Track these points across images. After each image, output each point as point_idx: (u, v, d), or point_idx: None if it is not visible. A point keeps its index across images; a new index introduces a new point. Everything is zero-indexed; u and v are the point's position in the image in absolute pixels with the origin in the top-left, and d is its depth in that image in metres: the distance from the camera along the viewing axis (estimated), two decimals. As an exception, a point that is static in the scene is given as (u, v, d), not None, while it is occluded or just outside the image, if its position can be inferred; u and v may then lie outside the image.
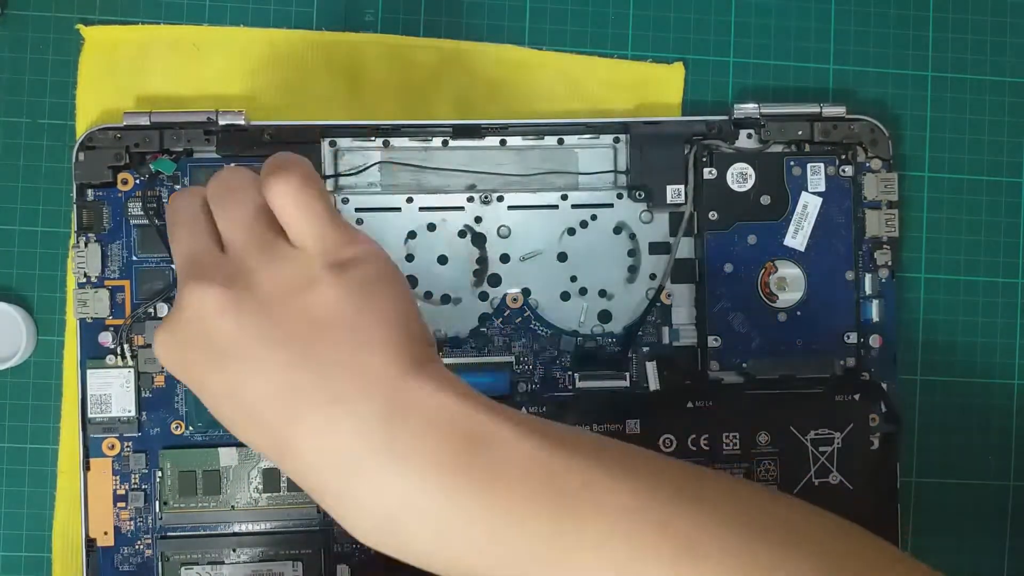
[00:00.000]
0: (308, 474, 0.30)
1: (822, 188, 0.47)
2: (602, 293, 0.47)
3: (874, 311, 0.47)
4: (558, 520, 0.29)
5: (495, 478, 0.29)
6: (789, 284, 0.46)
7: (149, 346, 0.45)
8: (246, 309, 0.30)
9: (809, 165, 0.47)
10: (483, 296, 0.47)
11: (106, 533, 0.45)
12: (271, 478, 0.45)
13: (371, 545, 0.30)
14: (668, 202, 0.47)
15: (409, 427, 0.29)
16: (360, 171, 0.47)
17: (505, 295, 0.47)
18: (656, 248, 0.47)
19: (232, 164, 0.35)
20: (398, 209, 0.47)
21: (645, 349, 0.47)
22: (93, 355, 0.45)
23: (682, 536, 0.29)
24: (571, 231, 0.47)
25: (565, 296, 0.47)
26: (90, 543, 0.45)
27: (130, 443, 0.45)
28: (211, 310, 0.31)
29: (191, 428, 0.45)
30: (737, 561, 0.29)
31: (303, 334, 0.30)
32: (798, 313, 0.46)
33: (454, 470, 0.29)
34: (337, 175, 0.47)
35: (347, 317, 0.30)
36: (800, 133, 0.47)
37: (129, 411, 0.45)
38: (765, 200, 0.47)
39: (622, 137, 0.47)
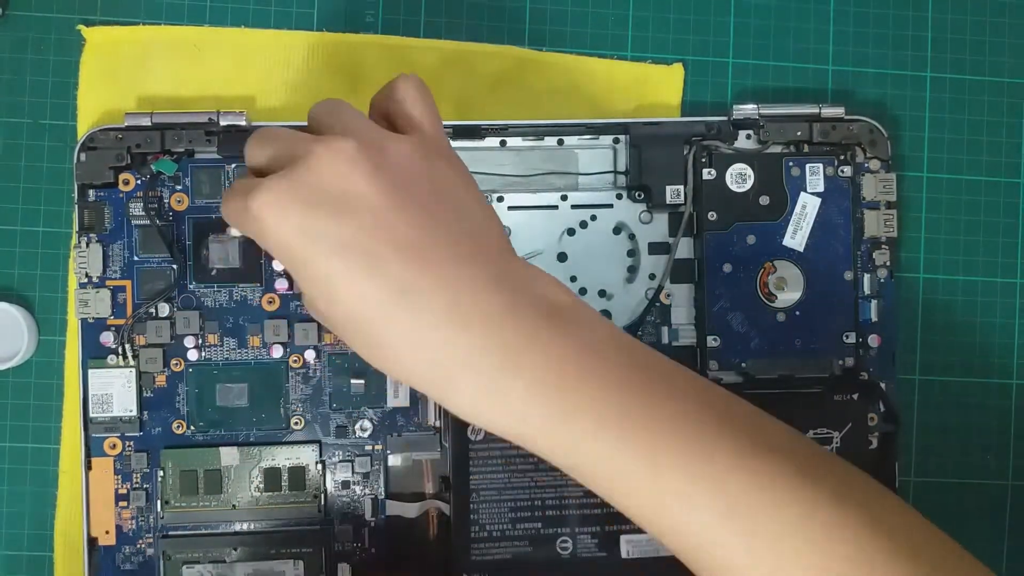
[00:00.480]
0: (424, 319, 0.31)
1: (821, 188, 0.47)
2: (602, 293, 0.47)
3: (873, 311, 0.48)
4: (638, 393, 0.31)
5: (584, 345, 0.32)
6: (788, 284, 0.47)
7: (151, 346, 0.45)
8: (380, 165, 0.32)
9: (808, 166, 0.47)
10: (483, 296, 0.47)
11: (108, 532, 0.45)
12: (272, 477, 0.45)
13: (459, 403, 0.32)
14: (667, 202, 0.47)
15: (515, 289, 0.32)
16: (361, 171, 0.47)
17: (505, 295, 0.47)
18: (655, 248, 0.48)
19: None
20: (398, 209, 0.47)
21: (644, 349, 0.47)
22: (94, 355, 0.45)
23: (745, 429, 0.32)
24: (571, 231, 0.47)
25: (565, 296, 0.47)
26: (92, 542, 0.45)
27: (131, 442, 0.45)
28: (346, 162, 0.31)
29: (192, 428, 0.45)
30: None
31: (428, 199, 0.32)
32: (797, 313, 0.46)
33: (551, 332, 0.31)
34: (338, 175, 0.47)
35: (462, 195, 0.34)
36: (799, 134, 0.47)
37: (130, 411, 0.45)
38: (764, 200, 0.47)
39: (622, 138, 0.47)
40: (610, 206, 0.47)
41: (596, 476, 0.32)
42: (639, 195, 0.47)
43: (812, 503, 0.31)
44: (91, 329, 0.45)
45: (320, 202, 0.31)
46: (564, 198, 0.47)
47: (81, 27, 0.47)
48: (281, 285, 0.46)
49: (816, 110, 0.47)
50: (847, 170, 0.47)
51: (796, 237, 0.47)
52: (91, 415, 0.45)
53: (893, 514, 0.32)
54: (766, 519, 0.30)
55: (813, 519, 0.31)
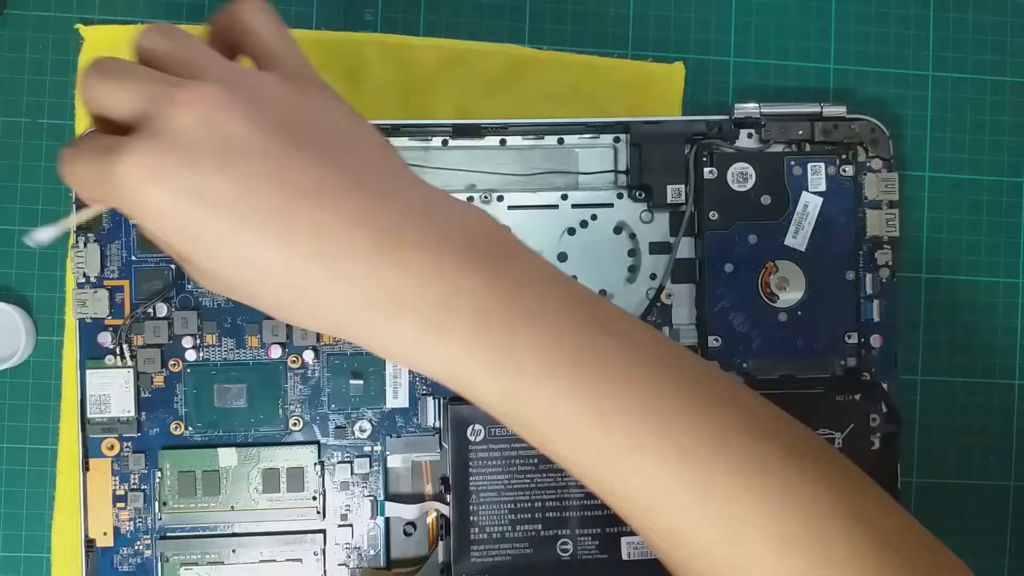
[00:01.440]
0: (349, 265, 0.28)
1: (823, 188, 0.47)
2: (602, 293, 0.47)
3: (875, 311, 0.47)
4: (584, 336, 0.30)
5: (523, 282, 0.30)
6: (790, 284, 0.46)
7: (149, 346, 0.45)
8: (257, 106, 0.28)
9: (810, 165, 0.47)
10: (483, 296, 0.47)
11: (105, 533, 0.45)
12: (270, 478, 0.45)
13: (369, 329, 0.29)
14: (668, 202, 0.47)
15: (443, 221, 0.30)
16: (360, 171, 0.47)
17: (505, 295, 0.47)
18: (656, 248, 0.47)
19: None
20: (398, 209, 0.46)
21: (645, 349, 0.47)
22: (92, 355, 0.45)
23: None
24: (571, 231, 0.47)
25: (565, 296, 0.47)
26: (89, 543, 0.45)
27: (129, 443, 0.45)
28: (219, 107, 0.28)
29: (190, 428, 0.45)
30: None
31: (317, 135, 0.29)
32: (799, 313, 0.46)
33: (487, 270, 0.29)
34: (337, 175, 0.47)
35: (351, 126, 0.31)
36: (801, 133, 0.47)
37: (128, 411, 0.45)
38: (765, 200, 0.46)
39: (622, 137, 0.47)
40: (611, 205, 0.47)
41: (542, 428, 0.30)
42: (640, 194, 0.47)
43: (763, 459, 0.29)
44: (89, 329, 0.45)
45: (200, 157, 0.27)
46: (564, 197, 0.47)
47: (79, 26, 0.47)
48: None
49: (818, 109, 0.47)
50: (849, 169, 0.47)
51: (798, 237, 0.46)
52: (89, 416, 0.45)
53: (854, 482, 0.31)
54: (718, 473, 0.29)
55: (766, 475, 0.29)
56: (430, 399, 0.46)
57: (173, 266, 0.45)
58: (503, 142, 0.47)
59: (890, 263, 0.47)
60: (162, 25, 0.31)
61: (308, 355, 0.46)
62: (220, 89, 0.28)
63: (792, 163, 0.47)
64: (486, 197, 0.47)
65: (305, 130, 0.29)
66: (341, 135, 0.30)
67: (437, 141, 0.47)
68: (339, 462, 0.46)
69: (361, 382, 0.46)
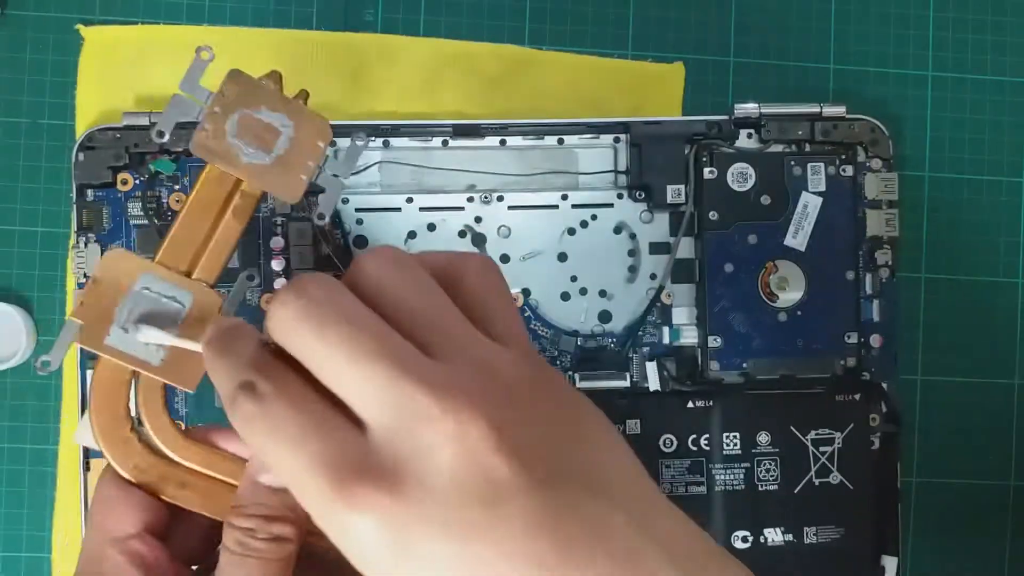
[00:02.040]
0: None
1: (822, 188, 0.47)
2: (602, 293, 0.47)
3: (875, 311, 0.47)
4: None
5: None
6: (789, 284, 0.46)
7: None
8: (516, 429, 0.23)
9: (809, 165, 0.47)
10: (483, 296, 0.47)
11: (106, 533, 0.45)
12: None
13: None
14: (668, 202, 0.47)
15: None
16: (360, 171, 0.47)
17: (505, 295, 0.47)
18: (656, 248, 0.47)
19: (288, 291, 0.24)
20: (398, 209, 0.46)
21: (645, 349, 0.47)
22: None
23: None
24: (571, 231, 0.47)
25: (565, 296, 0.47)
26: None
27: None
28: (481, 440, 0.22)
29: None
30: None
31: (577, 457, 0.24)
32: (798, 313, 0.46)
33: None
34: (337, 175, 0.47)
35: (598, 424, 0.26)
36: (800, 133, 0.47)
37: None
38: (765, 200, 0.46)
39: (622, 137, 0.47)
40: (611, 205, 0.47)
41: None
42: (640, 194, 0.47)
43: None
44: (89, 329, 0.45)
45: (459, 512, 0.22)
46: (564, 197, 0.47)
47: (79, 26, 0.47)
48: (280, 285, 0.46)
49: (817, 109, 0.47)
50: (849, 169, 0.47)
51: (798, 237, 0.46)
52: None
53: None
54: None
55: None
56: None
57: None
58: (503, 142, 0.47)
59: (890, 263, 0.47)
60: (395, 253, 0.25)
61: (308, 355, 0.46)
62: (484, 410, 0.22)
63: (792, 163, 0.47)
64: (486, 197, 0.47)
65: (564, 450, 0.24)
66: (592, 444, 0.25)
67: (437, 141, 0.47)
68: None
69: (361, 382, 0.46)
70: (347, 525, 0.22)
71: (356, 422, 0.23)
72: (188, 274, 0.30)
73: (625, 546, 0.23)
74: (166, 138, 0.32)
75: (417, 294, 0.24)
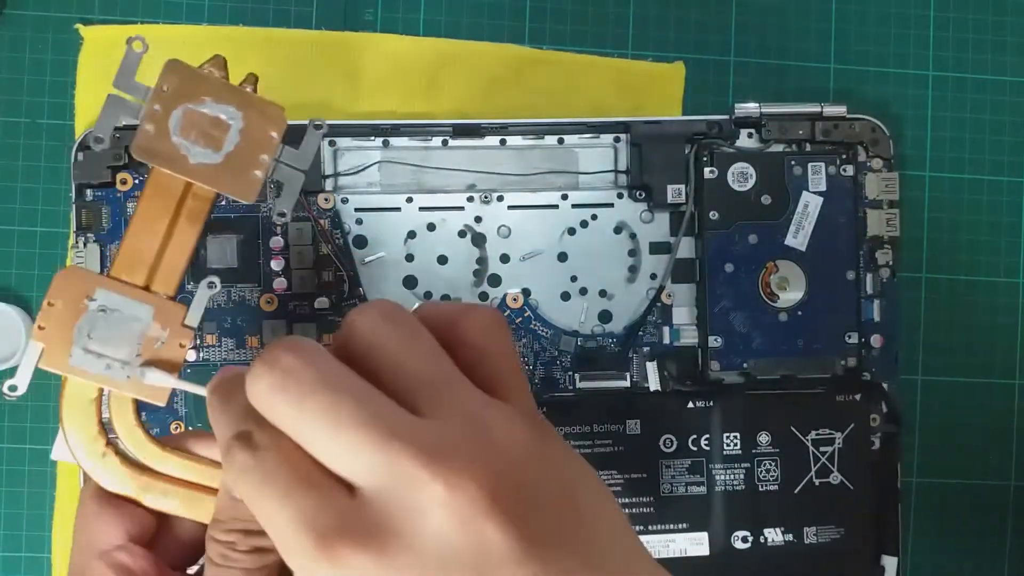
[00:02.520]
0: None
1: (823, 188, 0.47)
2: (602, 293, 0.47)
3: (875, 311, 0.47)
4: None
5: None
6: (790, 284, 0.46)
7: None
8: (512, 496, 0.22)
9: (810, 164, 0.47)
10: (483, 296, 0.47)
11: (105, 534, 0.45)
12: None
13: None
14: (668, 202, 0.47)
15: None
16: (360, 171, 0.47)
17: (505, 295, 0.47)
18: (656, 248, 0.47)
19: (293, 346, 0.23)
20: (398, 209, 0.46)
21: (645, 349, 0.47)
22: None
23: None
24: (571, 231, 0.47)
25: (565, 296, 0.47)
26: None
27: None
28: (474, 502, 0.22)
29: (190, 429, 0.45)
30: None
31: (576, 529, 0.24)
32: (799, 313, 0.46)
33: None
34: (336, 175, 0.47)
35: (597, 497, 0.25)
36: (801, 132, 0.47)
37: (128, 411, 0.45)
38: (766, 200, 0.46)
39: (622, 137, 0.47)
40: (611, 205, 0.47)
41: None
42: (640, 194, 0.47)
43: None
44: (89, 329, 0.45)
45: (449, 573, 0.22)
46: (564, 197, 0.47)
47: (79, 26, 0.47)
48: (279, 285, 0.46)
49: (818, 109, 0.47)
50: (849, 169, 0.47)
51: (798, 236, 0.46)
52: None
53: None
54: None
55: None
56: None
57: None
58: (503, 142, 0.47)
59: (890, 263, 0.47)
60: (388, 308, 0.24)
61: (308, 355, 0.46)
62: (476, 472, 0.22)
63: (792, 163, 0.47)
64: (486, 197, 0.47)
65: (559, 516, 0.23)
66: (586, 509, 0.24)
67: (437, 141, 0.47)
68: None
69: (361, 382, 0.46)
70: None
71: (347, 482, 0.22)
72: (146, 287, 0.29)
73: None
74: (106, 144, 0.30)
75: (410, 351, 0.24)
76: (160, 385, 0.28)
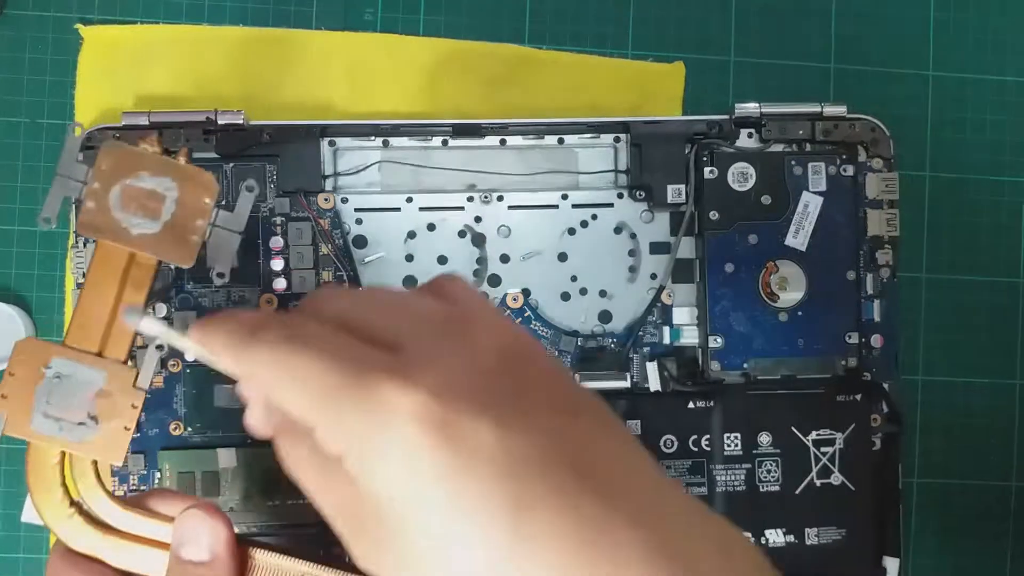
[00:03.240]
0: None
1: (823, 187, 0.46)
2: (602, 293, 0.47)
3: (875, 311, 0.47)
4: None
5: None
6: (790, 284, 0.46)
7: (147, 347, 0.45)
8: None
9: (810, 164, 0.47)
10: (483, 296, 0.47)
11: (105, 534, 0.45)
12: (270, 480, 0.45)
13: None
14: (669, 202, 0.47)
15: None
16: (360, 171, 0.47)
17: (505, 295, 0.47)
18: (657, 248, 0.47)
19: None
20: (398, 209, 0.46)
21: (646, 349, 0.47)
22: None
23: None
24: (571, 231, 0.47)
25: (565, 296, 0.47)
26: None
27: (129, 444, 0.45)
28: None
29: (190, 429, 0.45)
30: None
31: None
32: (799, 313, 0.46)
33: None
34: (336, 175, 0.47)
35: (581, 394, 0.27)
36: (801, 132, 0.47)
37: (128, 412, 0.45)
38: (766, 200, 0.46)
39: (622, 137, 0.47)
40: (611, 205, 0.47)
41: None
42: (640, 194, 0.47)
43: None
44: (88, 329, 0.45)
45: (494, 399, 0.23)
46: (565, 197, 0.47)
47: (79, 26, 0.47)
48: (279, 285, 0.46)
49: (818, 109, 0.47)
50: (849, 169, 0.47)
51: (798, 236, 0.46)
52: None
53: None
54: None
55: None
56: None
57: (172, 267, 0.45)
58: (503, 142, 0.47)
59: (891, 263, 0.47)
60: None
61: (308, 355, 0.46)
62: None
63: (792, 163, 0.46)
64: (486, 197, 0.47)
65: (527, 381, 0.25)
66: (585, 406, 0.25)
67: (437, 141, 0.47)
68: (339, 463, 0.45)
69: (361, 382, 0.46)
70: (385, 421, 0.22)
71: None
72: (99, 352, 0.31)
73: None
74: (52, 225, 0.33)
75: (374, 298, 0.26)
76: (150, 332, 0.29)
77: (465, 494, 0.22)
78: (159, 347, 0.32)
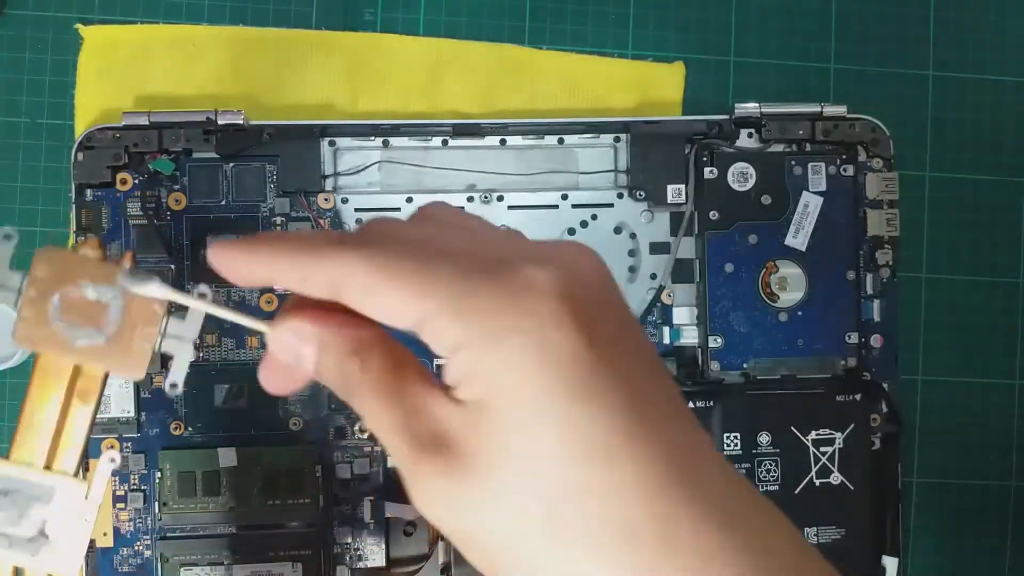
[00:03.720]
0: None
1: (823, 187, 0.46)
2: (602, 293, 0.47)
3: (875, 311, 0.47)
4: None
5: None
6: (790, 284, 0.46)
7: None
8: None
9: (810, 164, 0.47)
10: (483, 296, 0.47)
11: (105, 534, 0.45)
12: (270, 479, 0.45)
13: None
14: (668, 202, 0.47)
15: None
16: (360, 171, 0.47)
17: (505, 295, 0.47)
18: (656, 248, 0.47)
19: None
20: (398, 209, 0.46)
21: (646, 349, 0.47)
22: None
23: None
24: (571, 231, 0.47)
25: (565, 296, 0.47)
26: (89, 544, 0.45)
27: (129, 444, 0.45)
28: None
29: (190, 429, 0.45)
30: None
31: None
32: (799, 313, 0.46)
33: None
34: (336, 174, 0.47)
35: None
36: (801, 132, 0.47)
37: (128, 412, 0.45)
38: (766, 200, 0.46)
39: (622, 137, 0.47)
40: (611, 205, 0.47)
41: None
42: (640, 194, 0.47)
43: None
44: (88, 329, 0.45)
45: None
46: (565, 197, 0.47)
47: (79, 26, 0.47)
48: (279, 285, 0.46)
49: (818, 109, 0.47)
50: (849, 169, 0.47)
51: (798, 236, 0.46)
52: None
53: None
54: None
55: None
56: None
57: (172, 266, 0.45)
58: (503, 142, 0.47)
59: (890, 263, 0.47)
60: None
61: (308, 355, 0.46)
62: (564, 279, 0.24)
63: (792, 163, 0.46)
64: (486, 197, 0.47)
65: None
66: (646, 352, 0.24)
67: (437, 141, 0.47)
68: (339, 463, 0.46)
69: (361, 382, 0.46)
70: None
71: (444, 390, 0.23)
72: (47, 466, 0.29)
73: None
74: None
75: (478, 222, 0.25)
76: (158, 296, 0.28)
77: (592, 398, 0.21)
78: (201, 295, 0.28)
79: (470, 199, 0.47)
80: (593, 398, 0.21)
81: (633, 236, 0.47)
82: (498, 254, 0.23)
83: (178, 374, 0.29)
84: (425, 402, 0.23)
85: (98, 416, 0.44)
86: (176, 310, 0.29)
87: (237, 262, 0.25)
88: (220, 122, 0.45)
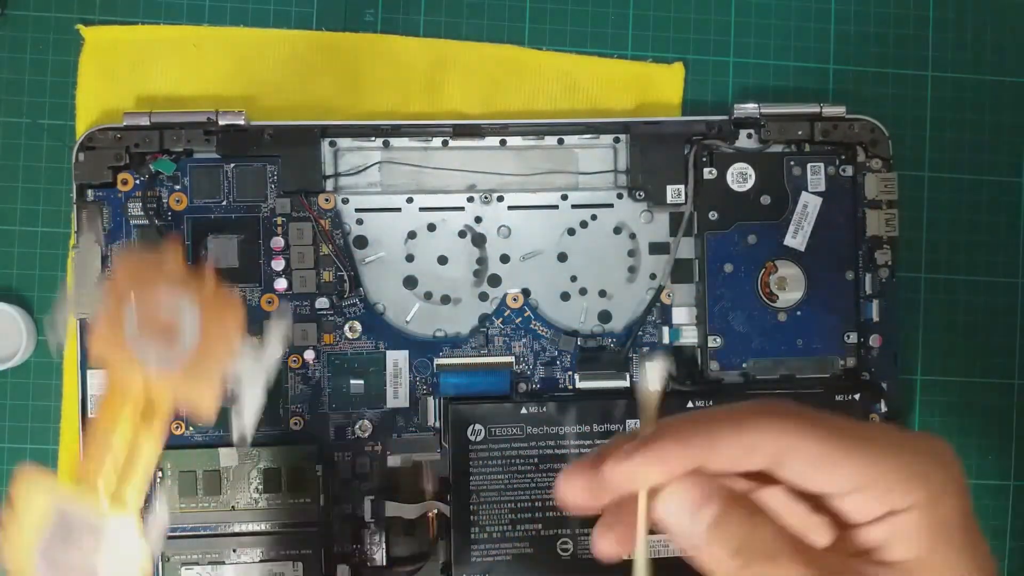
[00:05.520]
0: None
1: (822, 188, 0.47)
2: (602, 293, 0.47)
3: (874, 311, 0.47)
4: None
5: None
6: (789, 284, 0.46)
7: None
8: None
9: (809, 165, 0.47)
10: (483, 296, 0.47)
11: (106, 533, 0.45)
12: (271, 478, 0.45)
13: None
14: (668, 202, 0.47)
15: None
16: (360, 171, 0.47)
17: (505, 295, 0.47)
18: (656, 248, 0.47)
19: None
20: (398, 209, 0.47)
21: (645, 349, 0.47)
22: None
23: None
24: (571, 231, 0.47)
25: (565, 296, 0.47)
26: (90, 543, 0.45)
27: None
28: None
29: (191, 428, 0.45)
30: None
31: None
32: (798, 313, 0.46)
33: None
34: (337, 175, 0.47)
35: None
36: (800, 133, 0.47)
37: (129, 411, 0.45)
38: (765, 200, 0.46)
39: (622, 137, 0.47)
40: (610, 206, 0.47)
41: None
42: (640, 194, 0.47)
43: None
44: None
45: None
46: (564, 198, 0.47)
47: (80, 26, 0.47)
48: (280, 285, 0.46)
49: (817, 109, 0.47)
50: (848, 169, 0.47)
51: (797, 237, 0.46)
52: (89, 416, 0.45)
53: None
54: None
55: None
56: (430, 399, 0.46)
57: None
58: (503, 142, 0.47)
59: (890, 263, 0.47)
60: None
61: (309, 355, 0.46)
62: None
63: (792, 163, 0.47)
64: (486, 197, 0.47)
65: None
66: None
67: (437, 141, 0.47)
68: (339, 462, 0.46)
69: (361, 382, 0.46)
70: None
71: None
72: (112, 496, 0.29)
73: None
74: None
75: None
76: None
77: (976, 558, 0.25)
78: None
79: (470, 199, 0.47)
80: (976, 558, 0.25)
81: (633, 236, 0.47)
82: (869, 425, 0.27)
83: (248, 420, 0.28)
84: (847, 563, 0.25)
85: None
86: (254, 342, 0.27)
87: (670, 455, 0.26)
88: (221, 122, 0.45)
